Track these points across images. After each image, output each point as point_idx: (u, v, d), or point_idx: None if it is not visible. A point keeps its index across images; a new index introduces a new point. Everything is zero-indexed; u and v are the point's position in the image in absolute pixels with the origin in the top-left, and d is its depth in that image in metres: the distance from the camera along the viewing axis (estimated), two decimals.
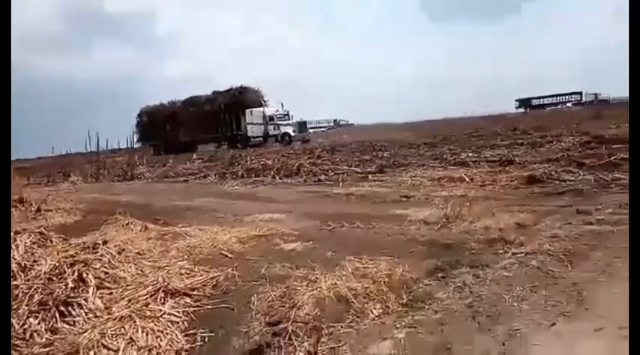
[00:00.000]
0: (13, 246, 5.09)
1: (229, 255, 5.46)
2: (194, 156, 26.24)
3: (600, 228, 5.79)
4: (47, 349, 3.35)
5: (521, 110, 66.49)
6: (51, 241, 5.65)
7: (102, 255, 4.95)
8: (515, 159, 12.61)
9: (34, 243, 5.35)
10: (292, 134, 37.38)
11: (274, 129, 38.00)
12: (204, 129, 41.29)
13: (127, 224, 7.48)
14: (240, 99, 40.05)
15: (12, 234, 5.45)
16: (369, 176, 12.86)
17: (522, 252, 5.05)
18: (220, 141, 41.32)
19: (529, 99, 70.50)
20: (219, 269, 4.82)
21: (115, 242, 5.98)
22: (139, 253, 5.57)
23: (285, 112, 39.33)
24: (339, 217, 7.32)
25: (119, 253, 5.31)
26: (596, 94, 65.85)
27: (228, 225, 7.26)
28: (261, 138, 38.37)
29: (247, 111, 39.19)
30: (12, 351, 3.20)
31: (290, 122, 38.61)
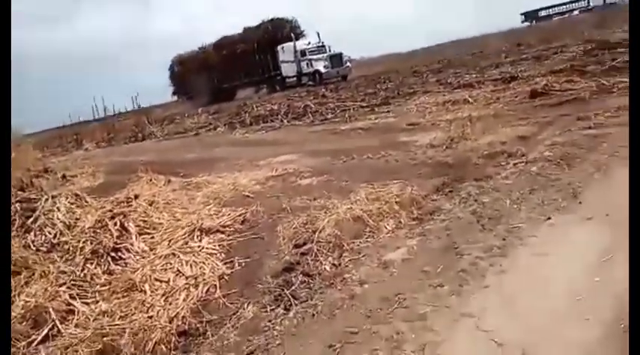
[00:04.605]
0: (54, 209, 5.61)
1: (251, 195, 5.90)
2: (199, 110, 26.32)
3: (597, 132, 6.06)
4: (107, 287, 3.87)
5: (527, 23, 64.14)
6: (86, 201, 6.14)
7: (136, 207, 5.42)
8: (519, 74, 12.61)
9: (72, 204, 5.85)
10: (323, 71, 30.15)
11: (307, 66, 31.49)
12: (241, 73, 36.29)
13: (150, 180, 7.89)
14: (274, 34, 34.19)
15: (50, 198, 5.97)
16: (375, 108, 13.04)
17: (523, 162, 5.40)
18: (258, 85, 36.65)
19: (536, 11, 67.66)
20: (244, 207, 5.26)
21: (144, 196, 6.43)
22: (167, 203, 6.02)
23: (321, 44, 32.12)
24: (349, 151, 7.65)
25: (150, 204, 5.78)
26: None
27: (245, 170, 7.66)
28: (295, 79, 32.65)
29: (279, 47, 33.36)
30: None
31: (322, 56, 31.08)
